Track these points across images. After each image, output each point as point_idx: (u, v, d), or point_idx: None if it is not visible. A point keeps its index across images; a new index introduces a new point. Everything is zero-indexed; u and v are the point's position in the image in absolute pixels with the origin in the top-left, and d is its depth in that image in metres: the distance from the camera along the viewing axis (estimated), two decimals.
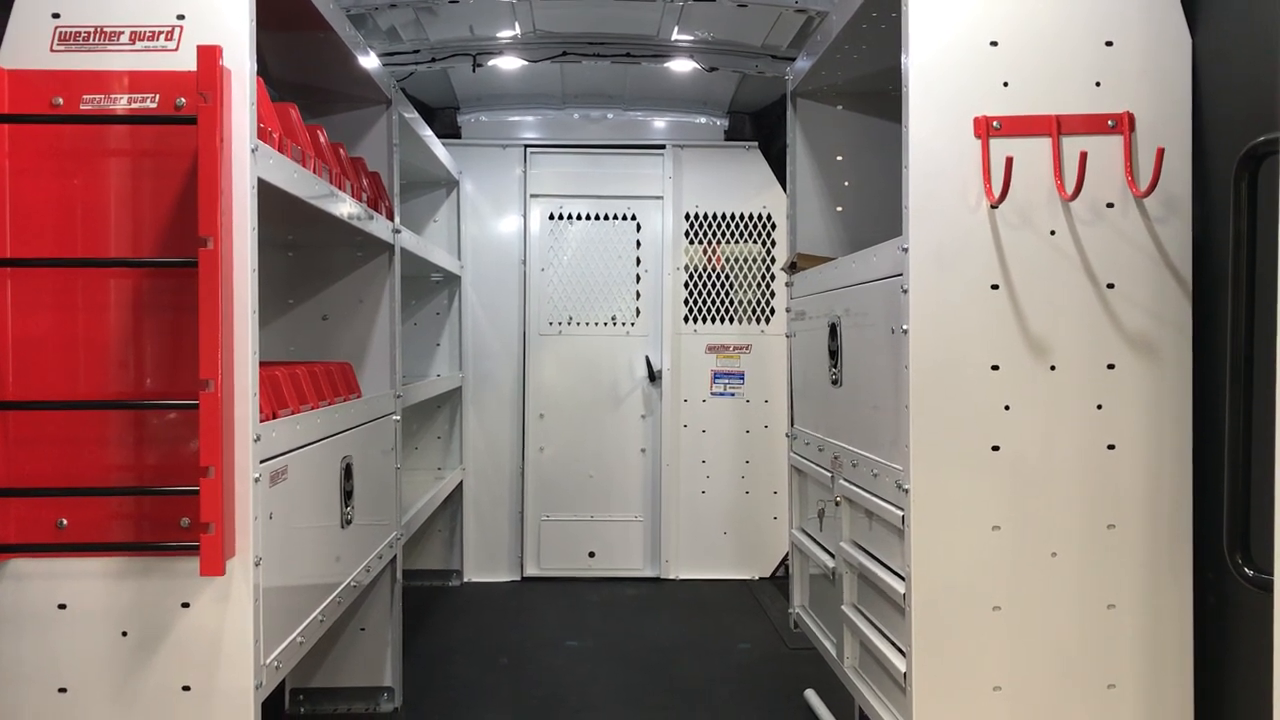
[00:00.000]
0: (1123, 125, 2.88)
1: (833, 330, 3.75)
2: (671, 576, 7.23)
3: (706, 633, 6.03)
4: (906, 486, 2.92)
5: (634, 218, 7.27)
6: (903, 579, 3.01)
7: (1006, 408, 2.90)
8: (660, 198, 7.24)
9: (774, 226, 7.22)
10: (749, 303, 7.27)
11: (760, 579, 7.24)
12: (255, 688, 2.80)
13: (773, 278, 7.22)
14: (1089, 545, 2.92)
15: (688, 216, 7.24)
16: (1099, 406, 2.91)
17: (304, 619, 3.31)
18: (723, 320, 7.25)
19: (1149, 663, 2.92)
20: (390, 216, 4.62)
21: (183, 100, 2.74)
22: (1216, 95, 2.85)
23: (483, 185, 7.26)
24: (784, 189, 7.11)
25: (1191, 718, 2.92)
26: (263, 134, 2.94)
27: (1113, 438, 2.92)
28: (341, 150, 4.08)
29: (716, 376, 7.26)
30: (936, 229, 2.90)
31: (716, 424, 7.26)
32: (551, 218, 7.26)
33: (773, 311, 7.23)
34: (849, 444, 3.60)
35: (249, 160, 2.79)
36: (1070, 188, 2.83)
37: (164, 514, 2.76)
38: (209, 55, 2.63)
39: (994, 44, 2.90)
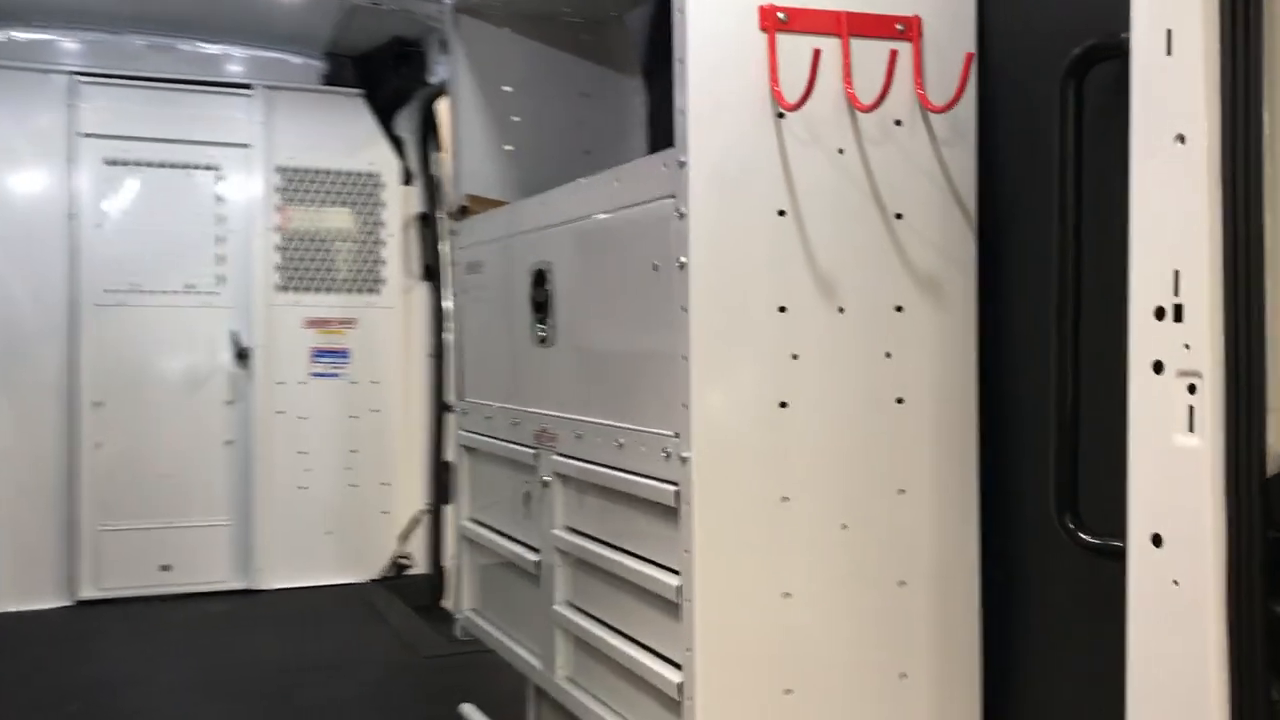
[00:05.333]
0: (912, 30, 2.50)
1: (539, 278, 3.13)
2: (266, 587, 6.27)
3: (322, 648, 5.30)
4: (685, 455, 2.37)
5: (216, 168, 6.18)
6: (674, 571, 2.45)
7: (795, 357, 2.44)
8: (248, 146, 6.23)
9: (382, 186, 6.47)
10: (356, 271, 6.44)
11: (370, 581, 6.47)
12: None
13: (382, 244, 6.44)
14: (879, 514, 2.51)
15: (282, 170, 6.27)
16: (888, 355, 2.53)
17: None
18: (325, 290, 6.36)
19: (939, 647, 2.58)
20: None
21: None
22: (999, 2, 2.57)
23: (12, 118, 5.85)
24: (392, 144, 6.45)
25: (978, 708, 2.62)
26: None
27: (901, 390, 2.55)
28: None
29: (317, 355, 6.38)
30: (720, 140, 2.36)
31: (318, 409, 6.40)
32: (110, 164, 6.01)
33: (382, 281, 6.46)
34: (569, 412, 2.99)
35: None
36: (871, 96, 2.41)
37: None
38: None
39: None
